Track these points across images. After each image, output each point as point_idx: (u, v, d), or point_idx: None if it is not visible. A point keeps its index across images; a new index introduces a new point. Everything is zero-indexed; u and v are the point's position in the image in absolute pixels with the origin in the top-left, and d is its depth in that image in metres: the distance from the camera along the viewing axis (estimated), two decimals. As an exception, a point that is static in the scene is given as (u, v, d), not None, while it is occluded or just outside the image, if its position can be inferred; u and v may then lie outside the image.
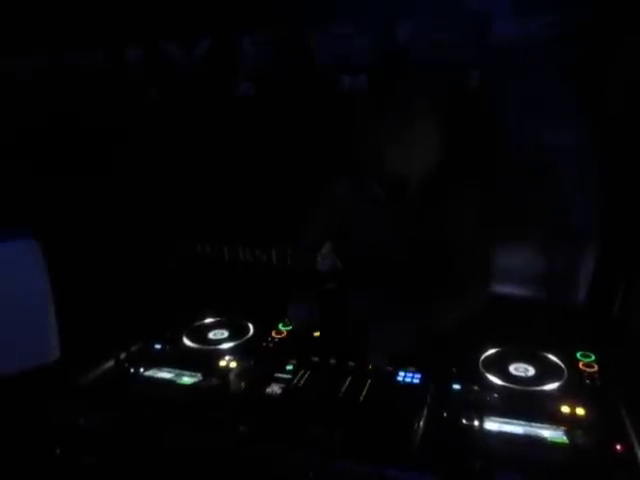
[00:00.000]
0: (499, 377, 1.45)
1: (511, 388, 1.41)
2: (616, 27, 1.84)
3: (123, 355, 1.66)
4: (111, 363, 1.65)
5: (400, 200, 1.70)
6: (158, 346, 1.74)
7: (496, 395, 1.38)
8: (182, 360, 1.64)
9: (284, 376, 1.53)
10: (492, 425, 1.28)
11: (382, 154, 1.60)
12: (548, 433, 1.25)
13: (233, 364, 1.58)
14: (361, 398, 1.41)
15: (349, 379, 1.49)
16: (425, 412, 1.33)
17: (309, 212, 1.98)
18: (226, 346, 1.71)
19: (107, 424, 1.43)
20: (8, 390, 1.58)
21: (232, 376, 1.52)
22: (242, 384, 1.50)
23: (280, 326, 1.82)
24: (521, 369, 1.49)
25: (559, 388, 1.41)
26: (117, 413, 1.44)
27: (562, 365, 1.50)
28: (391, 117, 1.58)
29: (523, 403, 1.35)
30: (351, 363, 1.56)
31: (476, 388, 1.40)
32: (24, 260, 1.73)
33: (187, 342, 1.75)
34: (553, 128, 2.06)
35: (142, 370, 1.60)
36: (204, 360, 1.62)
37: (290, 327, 1.80)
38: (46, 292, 1.78)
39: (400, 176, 1.63)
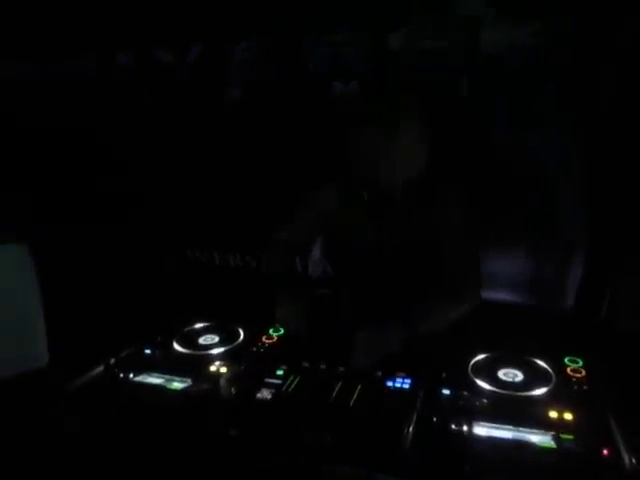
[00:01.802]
0: (488, 382, 1.45)
1: (500, 393, 1.42)
2: (604, 32, 1.87)
3: (113, 360, 1.65)
4: (100, 368, 1.64)
5: (385, 206, 1.71)
6: (148, 351, 1.74)
7: (485, 400, 1.39)
8: (172, 365, 1.63)
9: (274, 381, 1.52)
10: (481, 430, 1.29)
11: (372, 159, 1.61)
12: (536, 438, 1.26)
13: (223, 369, 1.58)
14: (351, 403, 1.41)
15: (339, 384, 1.49)
16: (414, 417, 1.33)
17: (291, 213, 1.97)
18: (216, 351, 1.71)
19: (96, 429, 1.42)
20: (-4, 395, 1.57)
21: (222, 381, 1.52)
22: (232, 389, 1.49)
23: (270, 331, 1.82)
24: (510, 374, 1.50)
25: (547, 393, 1.42)
26: (106, 418, 1.43)
27: (550, 370, 1.51)
28: (381, 123, 1.59)
29: (512, 408, 1.36)
30: (341, 368, 1.57)
31: (465, 393, 1.41)
32: (14, 264, 1.73)
33: (177, 347, 1.74)
34: (541, 134, 2.08)
35: (132, 375, 1.60)
36: (194, 365, 1.62)
37: (280, 332, 1.80)
38: (36, 296, 1.77)
39: (384, 182, 1.64)
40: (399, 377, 1.51)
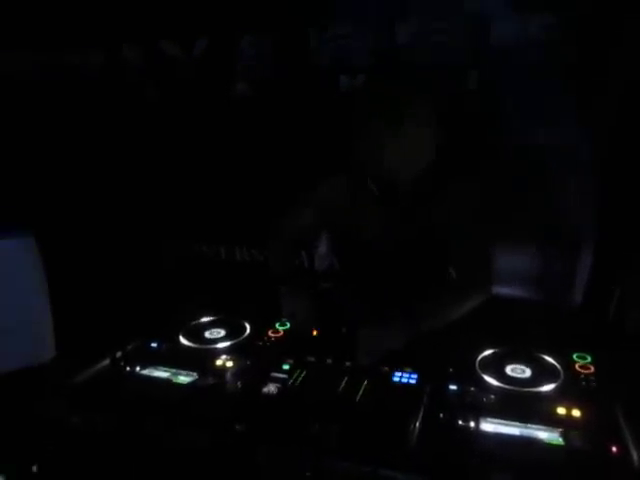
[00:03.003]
0: (496, 378, 1.44)
1: (507, 389, 1.41)
2: (614, 27, 1.85)
3: (119, 354, 1.65)
4: (107, 362, 1.64)
5: (394, 201, 1.70)
6: (154, 345, 1.74)
7: (492, 396, 1.38)
8: (178, 359, 1.63)
9: (280, 375, 1.52)
10: (488, 426, 1.28)
11: (379, 154, 1.60)
12: (544, 435, 1.25)
13: (229, 363, 1.58)
14: (357, 398, 1.41)
15: (345, 379, 1.48)
16: (421, 413, 1.32)
17: (294, 208, 1.95)
18: (222, 345, 1.71)
19: (102, 423, 1.42)
20: (3, 388, 1.57)
21: (228, 375, 1.52)
22: (238, 383, 1.49)
23: (277, 325, 1.81)
24: (518, 370, 1.49)
25: (555, 389, 1.40)
26: (112, 412, 1.43)
27: (558, 366, 1.50)
28: (388, 117, 1.58)
29: (519, 404, 1.35)
30: (347, 363, 1.56)
31: (472, 389, 1.40)
32: (21, 258, 1.73)
33: (183, 341, 1.74)
34: (550, 129, 2.07)
35: (138, 369, 1.60)
36: (200, 359, 1.62)
37: (287, 327, 1.80)
38: (43, 290, 1.78)
39: (393, 177, 1.63)
40: (405, 372, 1.50)
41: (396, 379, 1.48)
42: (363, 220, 1.84)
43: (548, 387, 1.41)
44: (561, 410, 1.32)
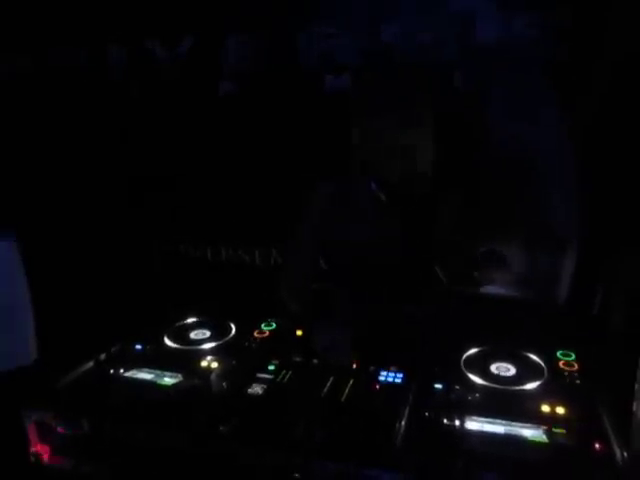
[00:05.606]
0: (480, 377, 1.45)
1: (492, 387, 1.42)
2: (598, 25, 1.86)
3: (103, 356, 1.64)
4: (91, 364, 1.63)
5: (399, 205, 1.70)
6: (139, 347, 1.72)
7: (477, 395, 1.39)
8: (163, 361, 1.62)
9: (266, 376, 1.52)
10: (473, 425, 1.28)
11: (367, 155, 1.59)
12: (528, 432, 1.26)
13: (215, 364, 1.57)
14: (343, 398, 1.40)
15: (331, 379, 1.48)
16: (407, 412, 1.33)
17: (295, 243, 1.86)
18: (208, 346, 1.70)
19: (86, 426, 1.41)
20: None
21: (214, 376, 1.51)
22: (224, 384, 1.49)
23: (262, 326, 1.81)
24: (502, 368, 1.49)
25: (539, 387, 1.42)
26: (97, 415, 1.42)
27: (542, 364, 1.51)
28: (374, 117, 1.58)
29: (504, 402, 1.36)
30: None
31: (458, 388, 1.41)
32: (3, 260, 1.71)
33: (168, 342, 1.74)
34: (536, 129, 2.08)
35: (122, 371, 1.58)
36: (185, 360, 1.61)
37: (272, 327, 1.79)
38: (25, 292, 1.76)
39: (401, 181, 1.62)
40: (391, 371, 1.50)
41: (382, 378, 1.48)
42: (354, 222, 1.82)
43: (532, 385, 1.42)
44: (545, 408, 1.33)
